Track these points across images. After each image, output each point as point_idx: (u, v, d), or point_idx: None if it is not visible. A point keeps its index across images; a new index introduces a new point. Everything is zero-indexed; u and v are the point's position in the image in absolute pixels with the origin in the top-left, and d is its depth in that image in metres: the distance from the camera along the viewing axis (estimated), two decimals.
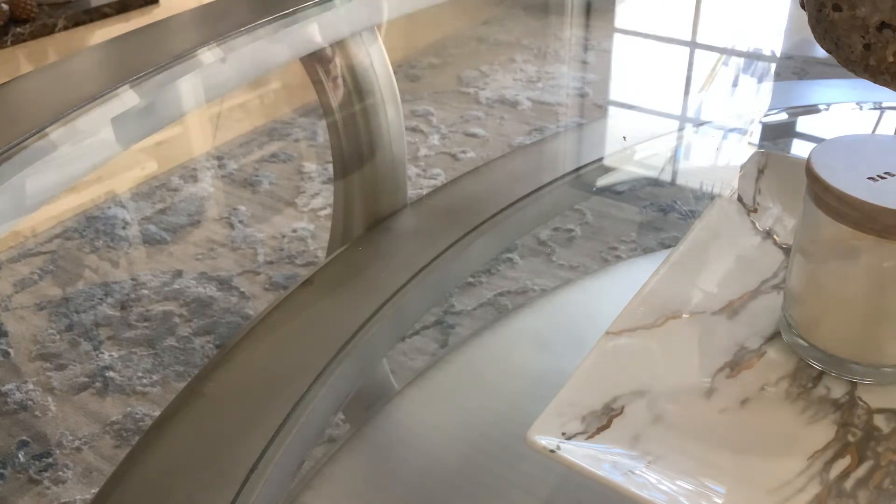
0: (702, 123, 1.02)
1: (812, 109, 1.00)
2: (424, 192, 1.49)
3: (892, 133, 0.72)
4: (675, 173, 0.92)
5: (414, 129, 1.73)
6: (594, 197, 0.93)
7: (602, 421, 0.38)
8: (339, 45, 0.76)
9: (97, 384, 1.11)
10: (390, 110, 0.78)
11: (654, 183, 0.94)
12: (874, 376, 0.40)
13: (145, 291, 1.29)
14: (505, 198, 0.71)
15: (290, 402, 0.50)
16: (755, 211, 0.51)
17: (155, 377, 1.12)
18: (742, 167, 0.52)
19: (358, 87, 0.77)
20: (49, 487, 0.97)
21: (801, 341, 0.41)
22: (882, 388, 0.40)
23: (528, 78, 1.98)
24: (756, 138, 0.94)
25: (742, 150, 0.91)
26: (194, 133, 1.83)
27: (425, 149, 1.67)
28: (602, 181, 0.83)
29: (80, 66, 0.64)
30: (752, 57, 1.85)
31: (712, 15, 2.04)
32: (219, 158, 1.69)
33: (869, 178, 0.36)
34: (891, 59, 0.42)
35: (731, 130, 0.94)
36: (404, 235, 0.70)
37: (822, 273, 0.40)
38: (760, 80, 1.73)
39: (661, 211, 1.28)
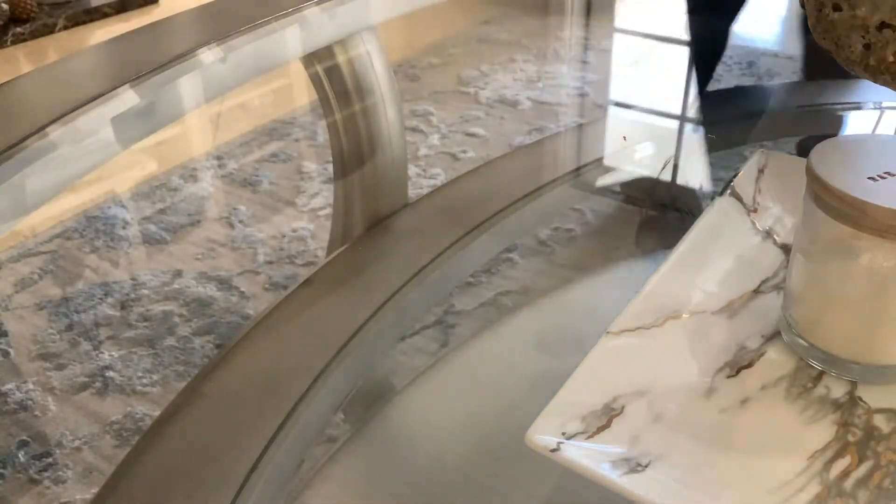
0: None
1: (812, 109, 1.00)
2: (424, 192, 1.48)
3: (892, 133, 0.72)
4: (675, 173, 0.92)
5: (414, 129, 1.73)
6: (594, 197, 0.93)
7: (602, 421, 0.38)
8: (339, 44, 0.76)
9: (97, 384, 1.11)
10: (390, 110, 0.78)
11: (655, 183, 0.94)
12: (874, 376, 0.40)
13: (145, 291, 1.29)
14: (505, 198, 0.71)
15: (290, 402, 0.50)
16: (755, 211, 0.51)
17: (155, 377, 1.12)
18: (742, 167, 0.52)
19: (358, 87, 0.77)
20: (49, 487, 0.97)
21: (801, 341, 0.41)
22: (882, 388, 0.40)
23: (528, 78, 1.98)
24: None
25: None
26: (194, 133, 1.83)
27: (425, 149, 1.67)
28: (602, 181, 0.83)
29: (80, 66, 0.64)
30: (752, 57, 1.85)
31: None
32: (219, 158, 1.69)
33: (869, 178, 0.36)
34: (891, 58, 0.42)
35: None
36: (404, 235, 0.70)
37: (822, 273, 0.40)
38: (760, 80, 1.73)
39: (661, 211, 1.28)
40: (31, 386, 1.11)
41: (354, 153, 0.80)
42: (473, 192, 0.76)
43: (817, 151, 0.39)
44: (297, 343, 0.57)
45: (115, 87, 0.55)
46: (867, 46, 0.43)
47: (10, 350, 1.18)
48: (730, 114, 0.96)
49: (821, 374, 0.41)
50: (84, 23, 2.40)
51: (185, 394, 0.54)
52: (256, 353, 0.56)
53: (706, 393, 0.40)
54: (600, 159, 0.84)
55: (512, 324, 0.63)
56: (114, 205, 1.53)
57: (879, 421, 0.38)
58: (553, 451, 0.35)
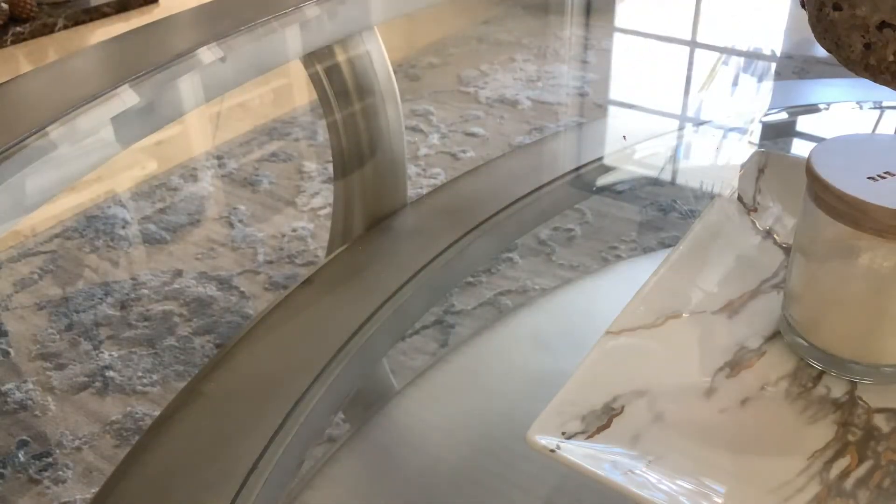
0: (702, 123, 1.02)
1: (812, 109, 1.00)
2: (424, 191, 1.49)
3: (892, 133, 0.72)
4: (675, 173, 0.92)
5: (414, 129, 1.73)
6: (594, 196, 0.93)
7: (602, 420, 0.38)
8: (339, 44, 0.76)
9: (97, 384, 1.11)
10: (390, 110, 0.77)
11: (654, 183, 0.94)
12: (874, 376, 0.40)
13: (145, 291, 1.29)
14: (505, 198, 0.71)
15: (290, 402, 0.50)
16: (755, 210, 0.51)
17: (155, 377, 1.12)
18: (742, 167, 0.52)
19: (358, 87, 0.77)
20: (49, 487, 0.97)
21: (801, 341, 0.41)
22: (882, 388, 0.40)
23: (528, 77, 1.98)
24: (756, 138, 0.94)
25: (742, 149, 0.91)
26: (194, 133, 1.83)
27: (425, 148, 1.67)
28: (602, 181, 0.83)
29: (80, 65, 0.64)
30: (752, 57, 1.85)
31: (712, 15, 2.04)
32: (219, 158, 1.69)
33: (869, 178, 0.36)
34: (891, 58, 0.42)
35: (731, 130, 0.94)
36: (404, 235, 0.70)
37: (822, 273, 0.40)
38: (760, 80, 1.73)
39: (661, 211, 1.28)
40: (31, 386, 1.11)
41: (354, 153, 0.80)
42: (473, 192, 0.76)
43: (817, 151, 0.39)
44: (297, 343, 0.57)
45: (115, 87, 0.55)
46: (867, 46, 0.43)
47: (10, 350, 1.18)
48: None
49: (821, 374, 0.41)
50: (84, 22, 2.40)
51: (185, 394, 0.54)
52: (256, 353, 0.56)
53: (706, 393, 0.40)
54: (600, 159, 0.84)
55: (512, 324, 0.63)
56: (114, 204, 1.53)
57: (879, 421, 0.38)
58: (553, 451, 0.35)
